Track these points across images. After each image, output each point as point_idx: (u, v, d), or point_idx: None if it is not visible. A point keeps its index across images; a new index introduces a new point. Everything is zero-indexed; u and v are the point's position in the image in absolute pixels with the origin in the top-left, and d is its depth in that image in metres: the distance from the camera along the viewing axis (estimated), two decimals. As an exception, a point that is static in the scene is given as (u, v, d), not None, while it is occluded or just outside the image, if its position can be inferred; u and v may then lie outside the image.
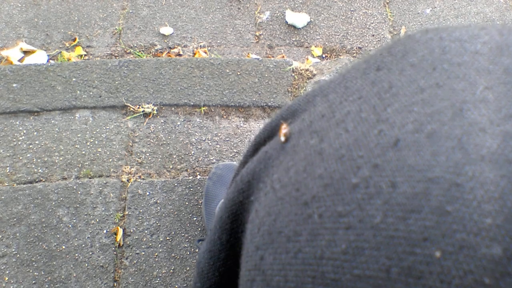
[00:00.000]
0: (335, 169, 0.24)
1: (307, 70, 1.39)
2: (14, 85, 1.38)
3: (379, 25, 1.70)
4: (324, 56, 1.57)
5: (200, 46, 1.57)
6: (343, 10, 1.69)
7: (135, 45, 1.58)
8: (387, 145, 0.22)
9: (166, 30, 1.61)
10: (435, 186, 0.20)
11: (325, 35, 1.63)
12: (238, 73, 1.37)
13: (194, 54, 1.55)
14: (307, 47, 1.60)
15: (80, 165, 1.23)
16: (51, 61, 1.53)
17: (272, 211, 0.27)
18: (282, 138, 0.31)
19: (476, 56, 0.25)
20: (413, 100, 0.24)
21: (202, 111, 1.31)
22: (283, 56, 1.54)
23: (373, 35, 1.66)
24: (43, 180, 1.21)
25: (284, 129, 0.32)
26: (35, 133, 1.30)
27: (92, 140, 1.28)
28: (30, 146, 1.28)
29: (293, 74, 1.37)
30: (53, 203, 1.15)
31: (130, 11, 1.67)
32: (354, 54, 1.58)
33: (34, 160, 1.25)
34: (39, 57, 1.54)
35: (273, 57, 1.54)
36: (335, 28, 1.65)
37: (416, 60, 0.26)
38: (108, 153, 1.25)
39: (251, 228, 0.30)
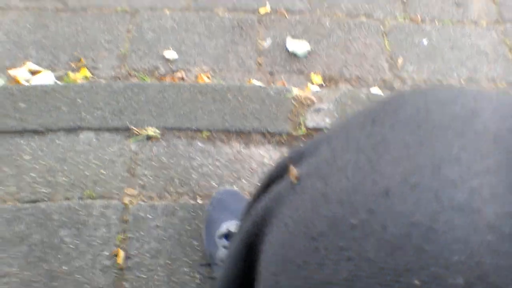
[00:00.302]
0: (337, 211, 0.29)
1: (307, 97, 1.43)
2: (21, 104, 1.41)
3: (377, 55, 1.75)
4: (323, 83, 1.61)
5: (203, 70, 1.62)
6: (342, 39, 1.75)
7: (139, 68, 1.62)
8: (379, 193, 0.28)
9: (170, 54, 1.65)
10: (416, 229, 0.25)
11: (324, 63, 1.68)
12: (240, 99, 1.41)
13: (197, 78, 1.59)
14: (307, 74, 1.65)
15: (83, 186, 1.25)
16: (57, 81, 1.56)
17: (285, 243, 0.33)
18: (292, 180, 0.36)
19: (454, 119, 0.30)
20: (401, 154, 0.29)
21: (204, 135, 1.34)
22: (283, 83, 1.59)
23: (371, 65, 1.71)
24: (47, 200, 1.23)
25: (293, 170, 0.36)
26: (40, 152, 1.32)
27: (95, 162, 1.30)
28: (35, 165, 1.30)
29: (293, 102, 1.42)
30: (56, 223, 1.17)
31: (135, 34, 1.72)
32: (353, 83, 1.63)
33: (38, 179, 1.27)
34: (46, 78, 1.57)
35: (273, 83, 1.58)
36: (334, 56, 1.70)
37: (404, 117, 0.31)
38: (111, 174, 1.27)
39: (266, 257, 0.35)
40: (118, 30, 1.72)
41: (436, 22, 1.91)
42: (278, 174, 0.41)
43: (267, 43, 1.71)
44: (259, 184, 0.46)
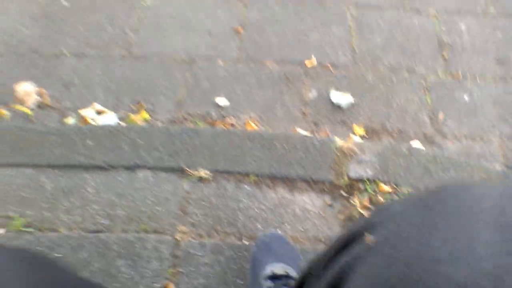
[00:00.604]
0: (404, 270, 0.40)
1: (349, 148, 1.51)
2: (89, 142, 1.57)
3: (419, 109, 1.82)
4: (366, 135, 1.69)
5: (252, 118, 1.74)
6: (385, 94, 1.84)
7: (194, 113, 1.76)
8: (433, 261, 0.39)
9: (222, 101, 1.79)
10: (457, 287, 0.36)
11: (367, 116, 1.77)
12: (286, 147, 1.51)
13: (246, 124, 1.71)
14: (350, 126, 1.73)
15: (139, 220, 1.37)
16: (119, 122, 1.72)
17: None
18: (368, 244, 0.45)
19: (482, 213, 0.41)
20: (447, 235, 0.41)
21: (252, 179, 1.44)
22: (327, 133, 1.68)
23: (413, 119, 1.78)
24: (106, 231, 1.35)
25: (368, 237, 0.49)
26: (102, 187, 1.46)
27: (151, 198, 1.42)
28: (97, 198, 1.43)
29: (336, 152, 1.50)
30: (114, 253, 1.28)
31: (191, 82, 1.87)
32: (394, 136, 1.69)
33: (100, 211, 1.40)
34: (110, 118, 1.74)
35: (318, 133, 1.68)
36: (377, 109, 1.78)
37: (449, 208, 0.44)
38: (164, 211, 1.38)
39: None
40: (175, 77, 1.88)
41: (478, 78, 1.96)
42: (352, 238, 0.52)
43: (312, 94, 1.82)
44: (333, 243, 0.56)
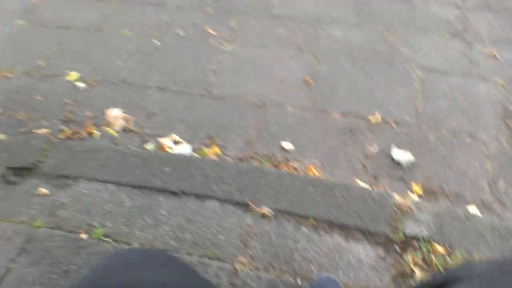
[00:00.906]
0: None
1: (407, 206, 1.57)
2: (166, 168, 1.75)
3: (478, 175, 1.85)
4: (423, 195, 1.74)
5: (314, 164, 1.85)
6: (445, 156, 1.89)
7: (261, 152, 1.90)
8: None
9: (287, 145, 1.92)
10: None
11: (426, 176, 1.82)
12: (346, 196, 1.60)
13: (308, 170, 1.82)
14: (408, 183, 1.79)
15: (204, 246, 1.49)
16: (193, 153, 1.90)
17: None
18: None
19: None
20: None
21: (310, 223, 1.54)
22: (385, 188, 1.75)
23: (472, 184, 1.81)
24: (174, 252, 1.48)
25: None
26: (174, 211, 1.62)
27: (216, 227, 1.55)
28: (169, 220, 1.59)
29: (394, 207, 1.57)
30: (179, 273, 1.41)
31: (261, 124, 2.03)
32: (452, 199, 1.73)
33: (170, 233, 1.55)
34: (185, 148, 1.92)
35: (376, 186, 1.75)
36: (436, 171, 1.84)
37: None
38: (227, 241, 1.50)
39: None
40: (247, 119, 2.05)
41: (543, 152, 1.97)
42: (437, 285, 0.60)
43: (374, 148, 1.91)
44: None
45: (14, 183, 1.76)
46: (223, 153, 1.90)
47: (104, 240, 1.53)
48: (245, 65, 2.36)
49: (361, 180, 1.80)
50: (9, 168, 1.80)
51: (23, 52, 2.55)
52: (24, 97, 2.26)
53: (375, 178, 1.80)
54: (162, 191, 1.68)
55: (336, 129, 1.99)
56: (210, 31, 2.61)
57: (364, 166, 1.85)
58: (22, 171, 1.81)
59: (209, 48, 2.48)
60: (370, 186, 1.76)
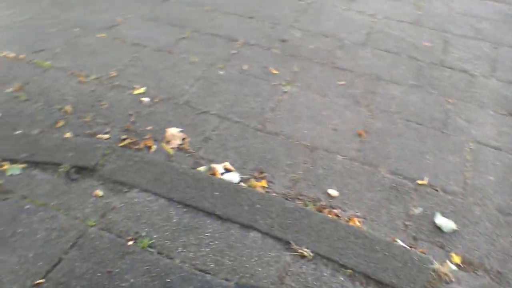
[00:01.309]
0: None
1: (446, 274, 1.57)
2: (216, 193, 1.83)
3: (522, 258, 1.82)
4: (462, 265, 1.73)
5: (356, 215, 1.88)
6: (490, 232, 1.87)
7: (305, 194, 1.96)
8: None
9: (333, 192, 1.97)
10: None
11: (467, 247, 1.81)
12: (386, 253, 1.62)
13: (350, 219, 1.85)
14: (447, 251, 1.79)
15: (241, 274, 1.54)
16: (241, 183, 1.97)
17: None
18: None
19: None
20: None
21: (348, 272, 1.56)
22: (424, 251, 1.75)
23: (514, 266, 1.78)
24: (212, 273, 1.54)
25: None
26: (217, 234, 1.68)
27: (255, 258, 1.60)
28: (211, 243, 1.65)
29: (432, 273, 1.57)
30: (214, 296, 1.46)
31: (309, 166, 2.09)
32: (492, 276, 1.71)
33: (210, 255, 1.61)
34: (234, 177, 2.00)
35: (415, 248, 1.76)
36: (478, 244, 1.82)
37: None
38: (264, 274, 1.55)
39: None
40: (297, 159, 2.12)
41: None
42: None
43: (417, 210, 1.92)
44: None
45: (75, 181, 1.89)
46: (270, 187, 1.97)
47: (148, 250, 1.60)
48: (302, 108, 2.45)
49: (400, 238, 1.81)
50: (73, 166, 1.93)
51: (100, 62, 2.76)
52: (93, 102, 2.43)
53: (415, 239, 1.81)
54: (209, 213, 1.76)
55: (382, 185, 2.02)
56: (273, 70, 2.74)
57: (405, 226, 1.86)
58: (84, 170, 1.94)
59: (269, 86, 2.61)
60: (409, 246, 1.77)
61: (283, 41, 3.06)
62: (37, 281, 1.48)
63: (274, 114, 2.40)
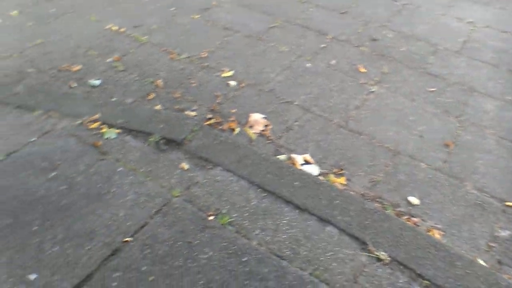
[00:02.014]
0: None
1: (532, 304, 1.47)
2: (296, 183, 1.85)
3: None
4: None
5: (436, 226, 1.81)
6: None
7: (384, 197, 1.91)
8: None
9: (413, 199, 1.91)
10: None
11: (556, 281, 1.68)
12: (468, 271, 1.55)
13: (429, 230, 1.79)
14: (534, 281, 1.67)
15: (316, 266, 1.55)
16: (320, 176, 1.97)
17: None
18: None
19: None
20: None
21: (424, 283, 1.51)
22: (509, 277, 1.65)
23: None
24: (287, 260, 1.56)
25: None
26: (294, 223, 1.70)
27: (330, 253, 1.60)
28: (287, 230, 1.67)
29: (517, 301, 1.48)
30: (287, 282, 1.48)
31: (391, 170, 2.04)
32: None
33: (286, 242, 1.63)
34: (313, 169, 2.00)
35: (499, 272, 1.66)
36: None
37: None
38: (338, 270, 1.54)
39: None
40: (378, 160, 2.08)
41: None
42: None
43: (504, 233, 1.82)
44: None
45: (164, 151, 1.99)
46: (348, 185, 1.95)
47: (227, 228, 1.66)
48: (388, 110, 2.39)
49: (482, 259, 1.72)
50: (162, 137, 2.04)
51: (192, 42, 2.87)
52: (183, 80, 2.53)
53: (500, 263, 1.71)
54: (288, 202, 1.78)
55: (466, 201, 1.93)
56: (361, 68, 2.69)
57: (489, 247, 1.76)
58: (172, 143, 2.04)
59: (356, 84, 2.57)
60: (492, 269, 1.67)
61: (374, 40, 2.99)
62: (126, 239, 1.59)
63: (358, 112, 2.36)
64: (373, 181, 1.98)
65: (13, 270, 1.46)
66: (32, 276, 1.45)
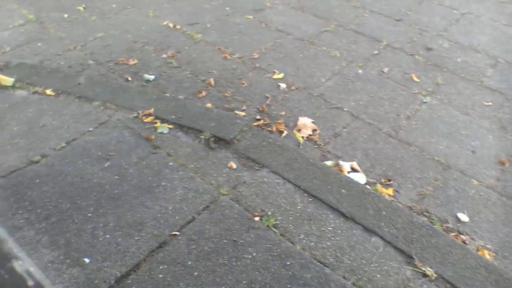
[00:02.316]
0: None
1: None
2: (342, 190, 1.84)
3: None
4: None
5: (486, 247, 1.75)
6: None
7: (432, 212, 1.87)
8: None
9: (463, 216, 1.85)
10: None
11: None
12: (519, 296, 1.49)
13: (478, 250, 1.73)
14: None
15: (359, 276, 1.54)
16: (367, 185, 1.95)
17: None
18: None
19: None
20: None
21: (472, 304, 1.47)
22: (563, 307, 1.58)
23: None
24: (330, 268, 1.56)
25: None
26: (339, 231, 1.69)
27: (375, 264, 1.58)
28: (332, 237, 1.67)
29: None
30: (330, 289, 1.48)
31: (440, 184, 1.99)
32: None
33: (330, 249, 1.63)
34: (360, 177, 1.98)
35: (552, 301, 1.59)
36: None
37: None
38: (383, 282, 1.53)
39: None
40: (427, 173, 2.03)
41: None
42: None
43: (560, 260, 1.73)
44: None
45: (213, 149, 2.04)
46: (395, 196, 1.92)
47: (272, 230, 1.68)
48: (439, 122, 2.33)
49: (535, 286, 1.65)
50: (212, 135, 2.08)
51: (244, 42, 2.91)
52: (234, 79, 2.57)
53: (554, 291, 1.63)
54: (333, 209, 1.77)
55: (520, 222, 1.85)
56: (414, 78, 2.63)
57: (543, 273, 1.69)
58: (221, 141, 2.08)
59: (408, 93, 2.51)
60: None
61: (429, 49, 2.92)
62: (173, 232, 1.64)
63: (409, 122, 2.32)
64: (421, 194, 1.94)
65: (70, 252, 1.55)
66: (87, 260, 1.53)
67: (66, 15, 3.11)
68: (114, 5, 3.28)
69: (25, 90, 2.32)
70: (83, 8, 3.20)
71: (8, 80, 2.31)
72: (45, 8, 3.18)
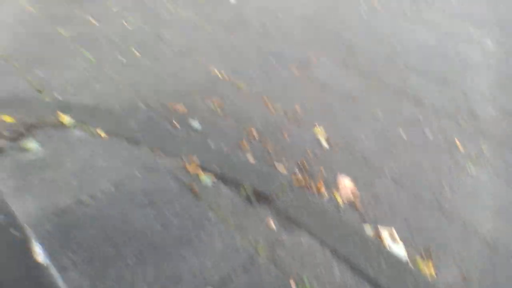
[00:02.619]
0: None
1: None
2: (382, 262, 1.81)
3: None
4: None
5: None
6: None
7: (475, 294, 1.80)
8: None
9: (508, 302, 1.77)
10: None
11: None
12: None
13: None
14: None
15: None
16: (407, 258, 1.91)
17: None
18: None
19: None
20: None
21: None
22: None
23: None
24: None
25: None
26: (377, 307, 1.65)
27: None
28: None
29: None
30: None
31: (488, 267, 1.92)
32: None
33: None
34: (399, 249, 1.94)
35: None
36: None
37: None
38: None
39: None
40: (473, 251, 1.97)
41: None
42: None
43: None
44: None
45: (253, 204, 2.06)
46: (437, 275, 1.87)
47: (308, 297, 1.66)
48: (486, 195, 2.28)
49: None
50: (253, 190, 2.11)
51: (288, 95, 2.97)
52: (276, 131, 2.62)
53: None
54: (371, 281, 1.74)
55: None
56: (459, 144, 2.60)
57: None
58: (261, 196, 2.10)
59: (452, 162, 2.48)
60: None
61: (474, 115, 2.89)
62: (210, 291, 1.65)
63: (452, 193, 2.27)
64: (463, 275, 1.88)
65: (109, 302, 1.57)
66: (125, 312, 1.55)
67: (124, 59, 3.27)
68: (167, 51, 3.44)
69: (81, 130, 2.43)
70: (139, 53, 3.36)
71: (69, 120, 2.43)
72: (105, 51, 3.37)
